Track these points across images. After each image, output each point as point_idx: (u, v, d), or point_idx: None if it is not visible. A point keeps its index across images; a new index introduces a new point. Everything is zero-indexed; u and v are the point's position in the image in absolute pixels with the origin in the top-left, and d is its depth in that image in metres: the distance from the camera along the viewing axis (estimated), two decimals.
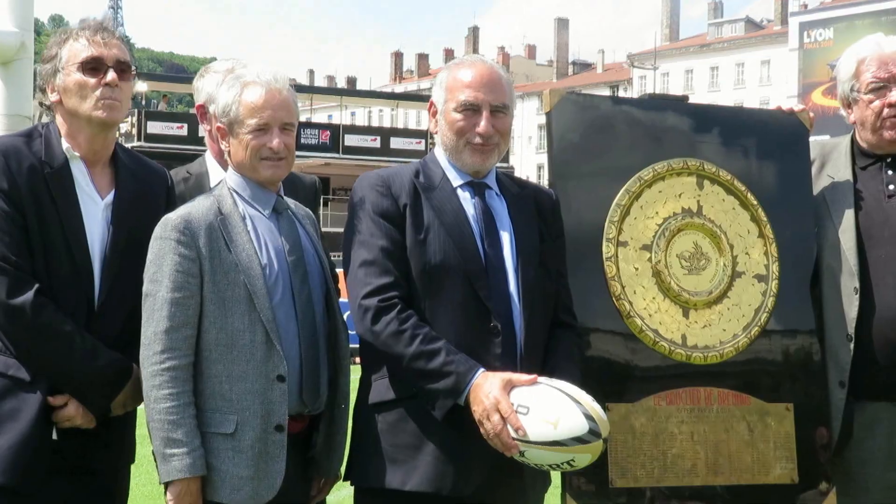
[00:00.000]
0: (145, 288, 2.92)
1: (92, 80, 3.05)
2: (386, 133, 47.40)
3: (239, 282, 2.90)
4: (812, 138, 3.75)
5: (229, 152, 3.05)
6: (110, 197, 3.13)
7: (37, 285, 2.94)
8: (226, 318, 2.89)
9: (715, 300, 3.46)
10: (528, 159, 76.57)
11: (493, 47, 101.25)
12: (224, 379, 2.89)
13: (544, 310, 3.08)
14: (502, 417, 2.77)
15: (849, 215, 3.56)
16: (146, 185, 3.23)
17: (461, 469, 2.92)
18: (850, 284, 3.50)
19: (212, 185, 3.47)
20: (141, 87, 40.75)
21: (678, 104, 3.68)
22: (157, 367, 2.85)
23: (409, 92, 78.34)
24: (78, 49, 3.08)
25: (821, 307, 3.57)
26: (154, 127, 39.92)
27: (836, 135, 3.86)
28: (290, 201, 3.18)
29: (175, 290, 2.87)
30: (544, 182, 3.57)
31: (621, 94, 68.84)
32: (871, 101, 3.59)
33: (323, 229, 3.35)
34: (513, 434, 2.76)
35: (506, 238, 3.07)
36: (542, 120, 4.48)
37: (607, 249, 3.35)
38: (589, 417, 2.78)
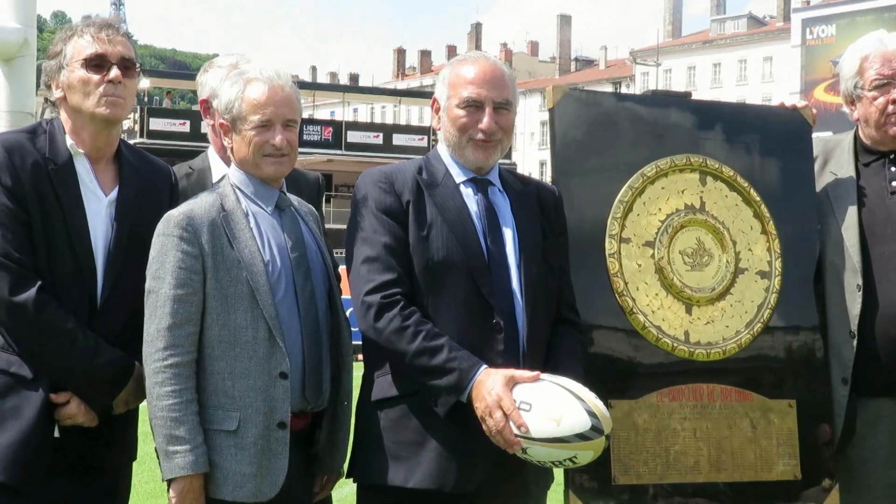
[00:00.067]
0: (148, 285, 2.91)
1: (96, 77, 3.05)
2: (388, 130, 47.39)
3: (241, 278, 2.89)
4: (815, 135, 3.75)
5: (232, 149, 3.05)
6: (114, 194, 3.12)
7: (39, 282, 2.93)
8: (228, 314, 2.89)
9: (718, 297, 3.46)
10: (531, 156, 76.48)
11: (496, 44, 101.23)
12: (227, 376, 2.88)
13: (547, 306, 3.08)
14: (505, 414, 2.77)
15: (852, 212, 3.56)
16: (150, 182, 3.22)
17: (464, 466, 2.92)
18: (853, 281, 3.50)
19: (214, 180, 3.46)
20: (143, 83, 40.74)
21: (681, 101, 3.67)
22: (159, 364, 2.84)
23: (412, 88, 78.36)
24: (82, 46, 3.07)
25: (824, 304, 3.56)
26: (156, 123, 39.98)
27: (839, 131, 3.86)
28: (293, 198, 3.18)
29: (178, 287, 2.86)
30: (547, 179, 3.57)
31: (624, 90, 68.83)
32: (874, 98, 3.58)
33: (326, 226, 3.34)
34: (515, 431, 2.76)
35: (508, 235, 3.07)
36: (545, 116, 4.49)
37: (610, 246, 3.35)
38: (591, 414, 2.77)
